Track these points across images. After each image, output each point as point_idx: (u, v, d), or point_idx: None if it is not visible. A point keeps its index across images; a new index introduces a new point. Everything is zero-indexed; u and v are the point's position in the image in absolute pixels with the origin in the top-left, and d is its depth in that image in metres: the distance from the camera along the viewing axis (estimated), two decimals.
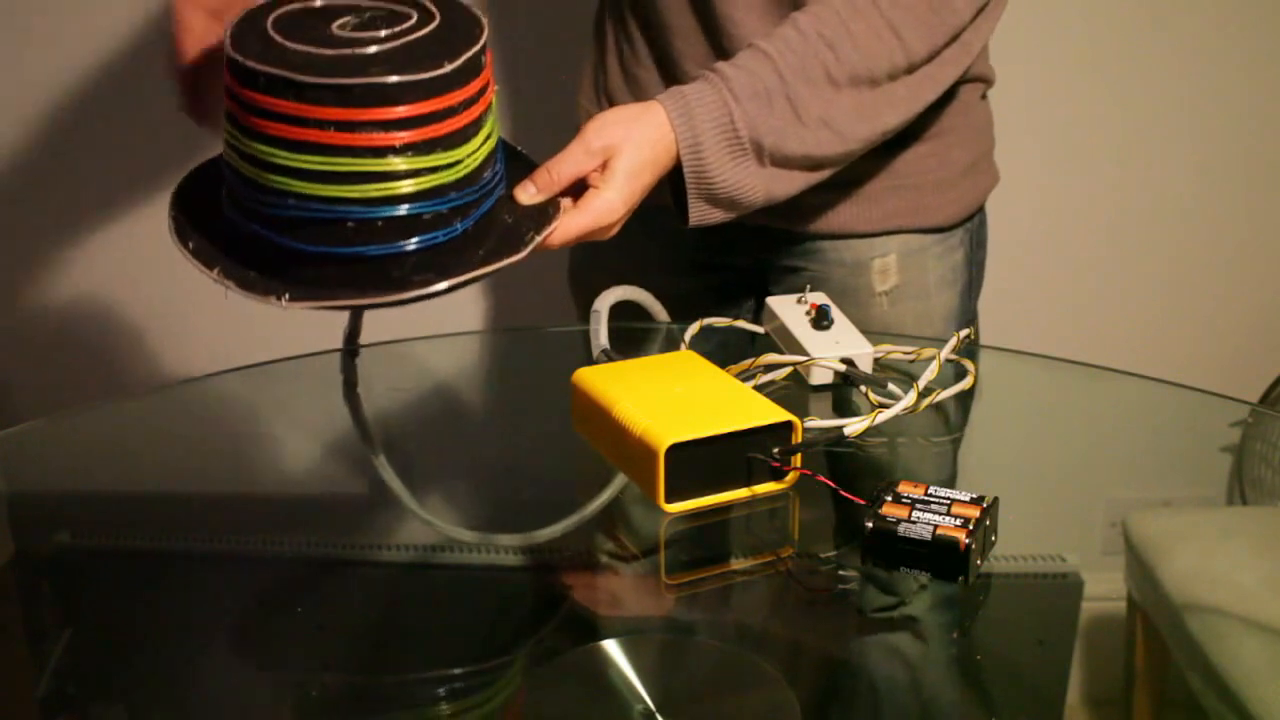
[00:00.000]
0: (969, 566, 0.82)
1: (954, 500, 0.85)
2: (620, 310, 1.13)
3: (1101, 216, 1.87)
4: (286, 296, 0.87)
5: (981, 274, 1.34)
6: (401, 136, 0.84)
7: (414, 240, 0.87)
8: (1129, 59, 1.79)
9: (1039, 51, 1.78)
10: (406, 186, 0.86)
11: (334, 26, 0.88)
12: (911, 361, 1.10)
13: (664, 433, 0.89)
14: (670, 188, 1.08)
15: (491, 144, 0.92)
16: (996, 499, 0.86)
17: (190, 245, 0.91)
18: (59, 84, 1.82)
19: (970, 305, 1.32)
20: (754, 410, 0.92)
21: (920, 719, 0.78)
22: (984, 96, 1.29)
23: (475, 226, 0.90)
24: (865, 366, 1.07)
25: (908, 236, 1.24)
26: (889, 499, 0.85)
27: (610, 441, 0.94)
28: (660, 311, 1.20)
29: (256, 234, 0.88)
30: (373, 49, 0.85)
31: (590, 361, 1.05)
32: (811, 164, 1.09)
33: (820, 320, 1.10)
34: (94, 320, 1.87)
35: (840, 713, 0.79)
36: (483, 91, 0.89)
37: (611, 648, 0.79)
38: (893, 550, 0.83)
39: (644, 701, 0.74)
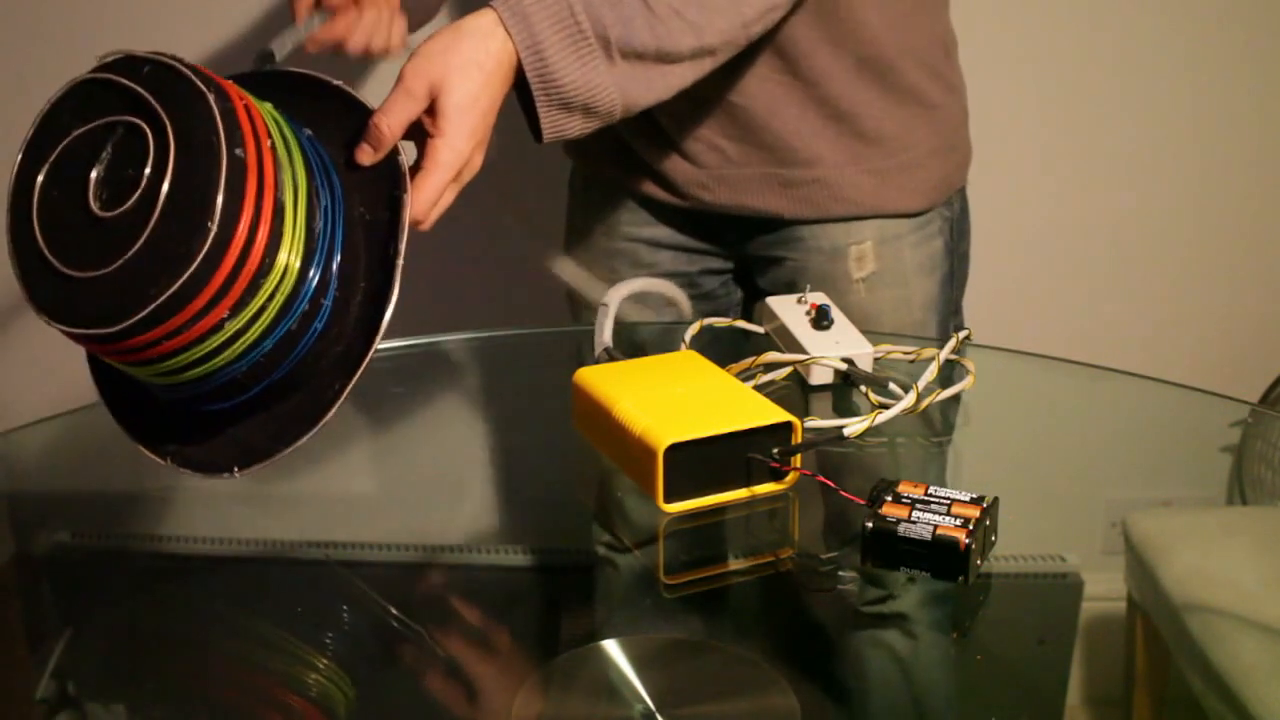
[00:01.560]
0: (969, 566, 0.82)
1: (954, 500, 0.85)
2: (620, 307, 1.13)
3: (1101, 216, 1.87)
4: (236, 469, 0.89)
5: (965, 265, 1.34)
6: (222, 307, 0.84)
7: (301, 346, 0.88)
8: (1130, 57, 1.79)
9: (1040, 50, 1.78)
10: (262, 324, 0.86)
11: (93, 205, 0.85)
12: (911, 362, 1.10)
13: (663, 432, 0.89)
14: (519, 100, 0.99)
15: (303, 202, 0.88)
16: (996, 499, 0.86)
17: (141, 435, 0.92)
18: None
19: (952, 295, 1.32)
20: (754, 410, 0.92)
21: (920, 719, 0.78)
22: (953, 86, 1.29)
23: (341, 271, 0.89)
24: (865, 366, 1.07)
25: (884, 222, 1.25)
26: (889, 499, 0.85)
27: (610, 441, 0.94)
28: (683, 300, 1.20)
29: (188, 409, 0.90)
30: (141, 239, 0.82)
31: (590, 362, 1.05)
32: (665, 57, 1.01)
33: (820, 320, 1.10)
34: None
35: (840, 713, 0.79)
36: (260, 196, 0.85)
37: (611, 648, 0.78)
38: (893, 550, 0.83)
39: (644, 701, 0.74)
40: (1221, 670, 0.82)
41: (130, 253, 0.83)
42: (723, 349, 1.11)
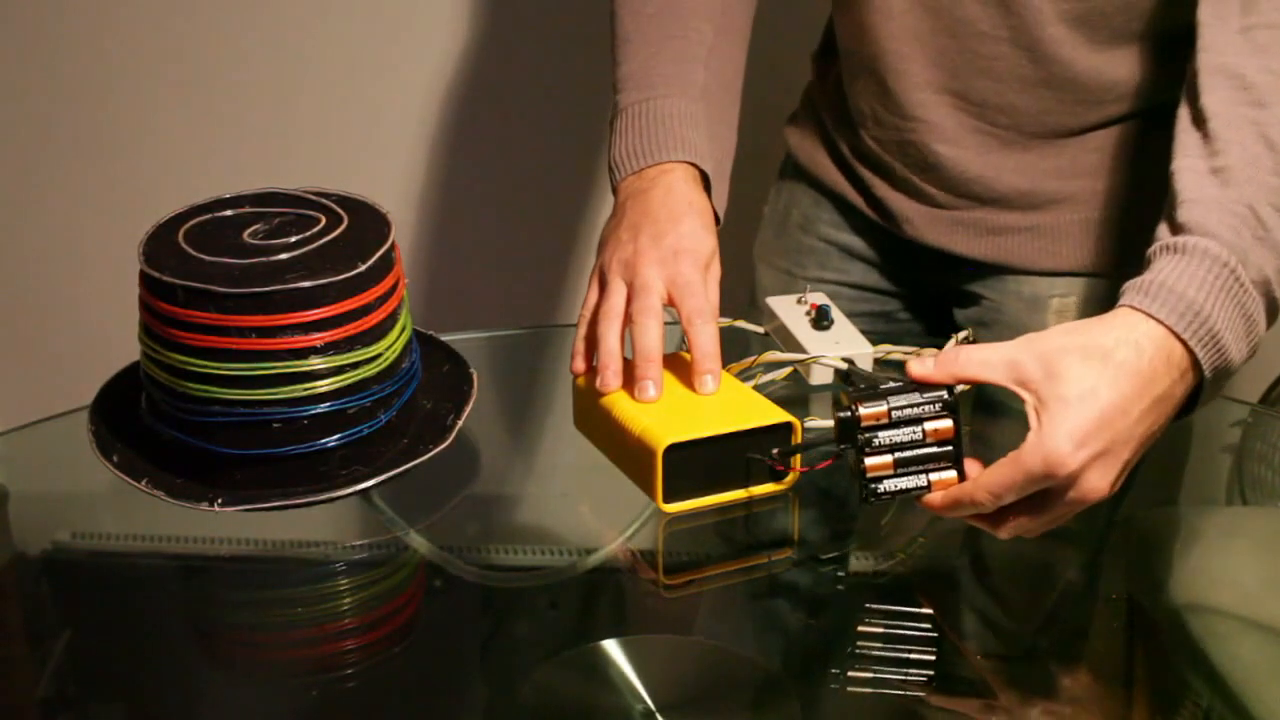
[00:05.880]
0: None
1: (925, 425, 0.83)
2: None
3: None
4: (219, 501, 0.89)
5: None
6: (321, 337, 0.87)
7: (338, 436, 0.89)
8: None
9: None
10: (329, 384, 0.88)
11: (244, 235, 0.91)
12: None
13: (663, 433, 0.89)
14: None
15: (407, 335, 0.94)
16: (964, 391, 0.84)
17: (114, 459, 0.93)
18: (58, 85, 1.82)
19: None
20: (753, 411, 0.92)
21: (920, 719, 0.78)
22: None
23: (398, 416, 0.93)
24: (865, 366, 1.07)
25: (1092, 280, 1.13)
26: (867, 453, 0.83)
27: (610, 441, 0.94)
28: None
29: (179, 440, 0.90)
30: (284, 255, 0.88)
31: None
32: None
33: (820, 320, 1.10)
34: (94, 320, 1.87)
35: (840, 713, 0.79)
36: (395, 287, 0.92)
37: (611, 648, 0.79)
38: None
39: (644, 701, 0.74)
40: (1221, 670, 0.82)
41: (269, 258, 0.87)
42: (723, 349, 1.12)
